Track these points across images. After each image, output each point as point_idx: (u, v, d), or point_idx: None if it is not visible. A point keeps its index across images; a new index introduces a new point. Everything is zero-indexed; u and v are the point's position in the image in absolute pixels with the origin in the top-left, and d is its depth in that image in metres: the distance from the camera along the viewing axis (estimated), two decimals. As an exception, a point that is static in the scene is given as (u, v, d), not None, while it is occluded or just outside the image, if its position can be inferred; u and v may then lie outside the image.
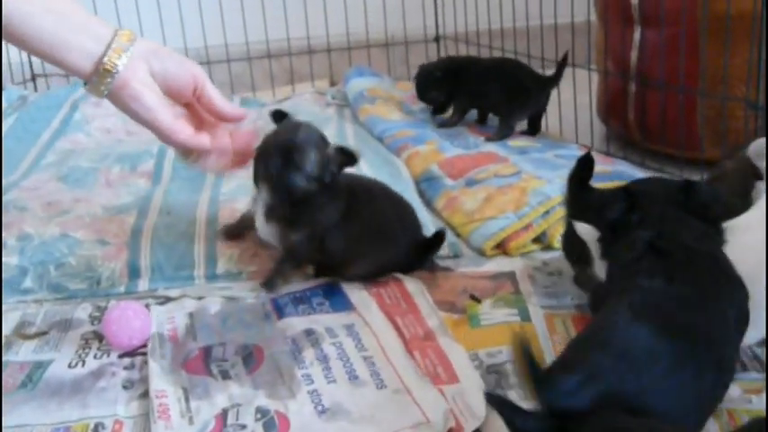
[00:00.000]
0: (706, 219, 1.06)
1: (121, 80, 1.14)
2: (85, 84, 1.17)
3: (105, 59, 1.13)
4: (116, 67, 1.13)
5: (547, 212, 1.49)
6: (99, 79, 1.14)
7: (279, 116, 1.38)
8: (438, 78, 2.03)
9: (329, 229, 1.34)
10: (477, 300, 1.30)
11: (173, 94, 1.22)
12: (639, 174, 1.62)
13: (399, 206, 1.42)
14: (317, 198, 1.32)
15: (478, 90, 2.00)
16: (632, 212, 1.07)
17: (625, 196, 1.08)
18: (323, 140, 1.33)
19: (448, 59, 2.12)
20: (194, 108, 1.28)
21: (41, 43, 1.12)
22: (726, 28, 1.54)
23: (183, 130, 1.22)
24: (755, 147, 1.27)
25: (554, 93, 1.98)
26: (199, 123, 1.28)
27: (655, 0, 1.71)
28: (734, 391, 1.04)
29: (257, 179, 1.33)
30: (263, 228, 1.37)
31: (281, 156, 1.29)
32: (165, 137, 1.22)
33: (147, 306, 1.30)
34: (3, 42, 1.16)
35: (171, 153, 1.86)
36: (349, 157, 1.32)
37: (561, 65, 1.91)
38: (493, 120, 2.05)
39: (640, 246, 1.01)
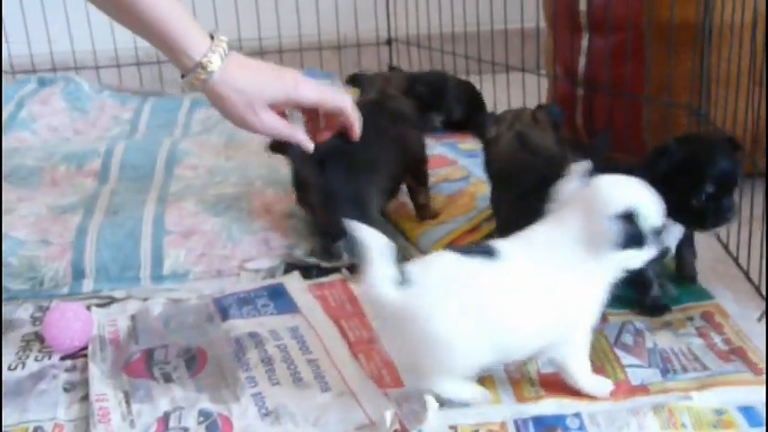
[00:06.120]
0: None
1: (216, 80, 1.22)
2: (182, 76, 1.24)
3: (206, 58, 1.22)
4: (212, 65, 1.22)
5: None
6: (196, 75, 1.22)
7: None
8: None
9: None
10: None
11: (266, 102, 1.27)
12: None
13: None
14: None
15: None
16: None
17: None
18: None
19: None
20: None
21: (160, 25, 1.22)
22: (670, 36, 1.56)
23: (275, 124, 1.28)
24: None
25: (504, 97, 2.00)
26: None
27: (602, 7, 1.73)
28: (676, 388, 1.08)
29: None
30: None
31: None
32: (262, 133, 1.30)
33: (88, 308, 1.29)
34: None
35: (119, 152, 1.84)
36: None
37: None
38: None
39: None
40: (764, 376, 1.10)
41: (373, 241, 1.00)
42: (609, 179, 1.06)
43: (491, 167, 1.41)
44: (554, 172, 1.26)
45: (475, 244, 1.08)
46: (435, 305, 1.00)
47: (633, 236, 1.01)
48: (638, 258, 1.05)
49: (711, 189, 1.16)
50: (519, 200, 1.27)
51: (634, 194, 1.03)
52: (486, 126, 1.42)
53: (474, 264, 1.03)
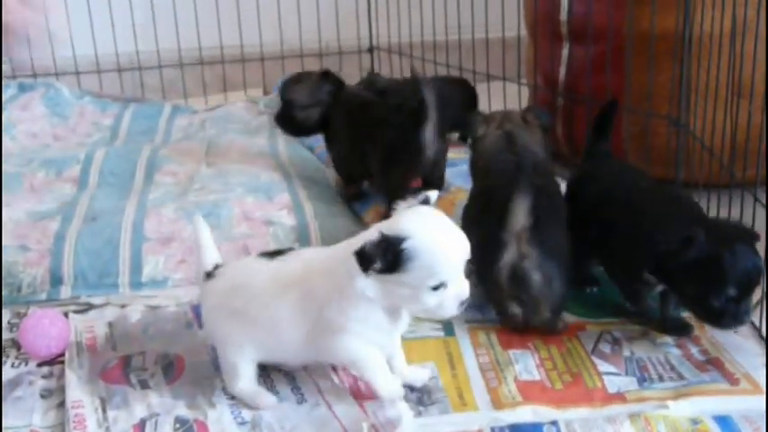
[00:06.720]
0: None
1: None
2: None
3: None
4: None
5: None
6: None
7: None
8: None
9: None
10: None
11: None
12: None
13: None
14: None
15: None
16: None
17: None
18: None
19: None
20: None
21: None
22: (650, 46, 1.57)
23: None
24: None
25: (484, 106, 2.00)
26: None
27: (583, 18, 1.74)
28: (652, 396, 1.09)
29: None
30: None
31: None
32: None
33: (65, 314, 1.28)
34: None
35: (98, 158, 1.84)
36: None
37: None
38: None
39: None
40: (740, 386, 1.12)
41: (201, 232, 1.14)
42: (419, 208, 1.03)
43: (475, 166, 1.41)
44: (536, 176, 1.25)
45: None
46: (211, 302, 1.10)
47: (369, 253, 0.96)
48: (420, 302, 1.00)
49: (733, 293, 1.11)
50: None
51: (417, 227, 0.98)
52: (475, 125, 1.42)
53: (255, 271, 1.08)
